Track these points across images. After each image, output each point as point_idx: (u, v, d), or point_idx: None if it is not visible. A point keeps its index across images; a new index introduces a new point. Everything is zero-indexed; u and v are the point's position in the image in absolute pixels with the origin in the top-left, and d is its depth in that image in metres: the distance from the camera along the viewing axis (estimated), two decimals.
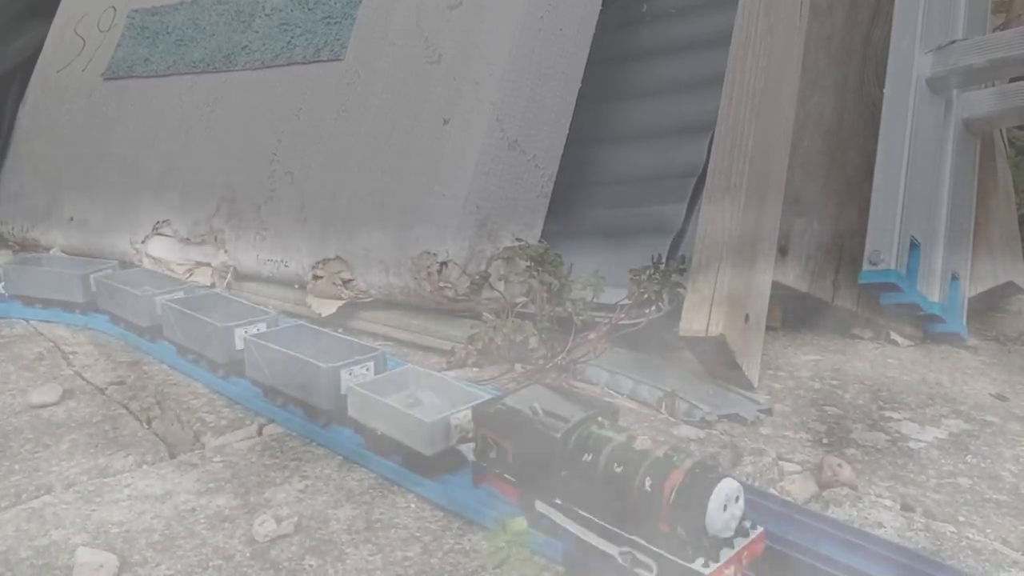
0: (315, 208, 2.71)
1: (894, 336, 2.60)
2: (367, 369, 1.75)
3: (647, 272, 2.10)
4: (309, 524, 1.40)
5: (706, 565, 1.05)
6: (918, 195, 2.39)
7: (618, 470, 1.15)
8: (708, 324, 1.93)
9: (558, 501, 1.24)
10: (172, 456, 1.70)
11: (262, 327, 2.03)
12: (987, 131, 2.80)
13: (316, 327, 2.04)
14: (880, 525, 1.43)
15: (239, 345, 1.99)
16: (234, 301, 2.29)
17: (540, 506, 1.27)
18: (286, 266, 2.75)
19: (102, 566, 1.24)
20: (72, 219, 3.59)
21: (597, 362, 2.12)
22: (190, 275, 2.99)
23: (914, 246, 2.37)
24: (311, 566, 1.27)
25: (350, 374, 1.71)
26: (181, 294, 2.34)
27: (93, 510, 1.45)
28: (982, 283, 2.81)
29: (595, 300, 2.17)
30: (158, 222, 3.20)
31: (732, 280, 1.97)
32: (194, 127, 3.27)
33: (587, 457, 1.21)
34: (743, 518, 1.12)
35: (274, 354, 1.82)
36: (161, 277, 2.64)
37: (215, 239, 2.98)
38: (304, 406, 1.79)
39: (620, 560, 1.14)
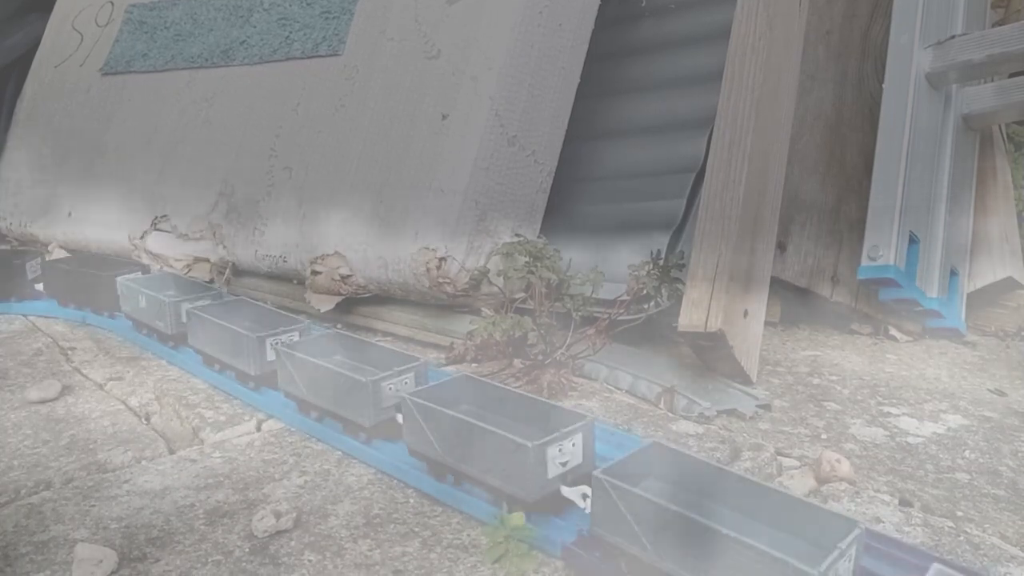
0: (314, 203, 2.70)
1: (893, 332, 2.60)
2: None
3: (646, 268, 2.10)
4: (308, 519, 1.40)
5: None
6: (917, 191, 2.39)
7: None
8: (707, 319, 1.93)
9: None
10: (171, 452, 1.70)
11: (578, 440, 1.35)
12: (986, 126, 2.80)
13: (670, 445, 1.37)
14: (878, 520, 1.43)
15: (550, 471, 1.31)
16: (539, 402, 1.52)
17: None
18: (285, 261, 2.74)
19: (101, 561, 1.24)
20: (71, 214, 3.59)
21: (596, 357, 2.12)
22: (188, 270, 2.98)
23: (913, 242, 2.37)
24: (310, 561, 1.27)
25: None
26: (412, 375, 1.69)
27: (92, 506, 1.45)
28: (981, 279, 2.81)
29: (594, 295, 2.17)
30: (156, 217, 3.19)
31: (731, 276, 1.97)
32: (192, 122, 3.26)
33: None
34: None
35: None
36: (387, 351, 1.86)
37: (213, 234, 2.98)
38: None
39: None
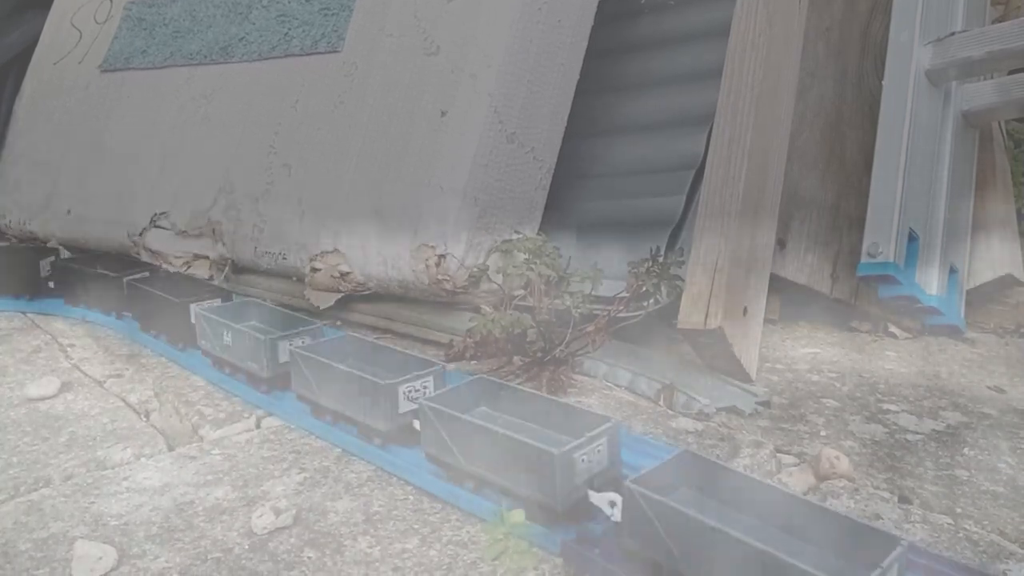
0: (313, 200, 2.70)
1: (892, 328, 2.60)
2: None
3: (645, 265, 2.09)
4: (307, 516, 1.40)
5: None
6: (917, 187, 2.39)
7: None
8: (706, 317, 1.93)
9: None
10: (170, 449, 1.70)
11: (894, 572, 1.04)
12: (986, 123, 2.79)
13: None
14: (878, 517, 1.43)
15: None
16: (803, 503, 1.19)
17: None
18: (284, 258, 2.74)
19: (101, 558, 1.24)
20: (70, 212, 3.58)
21: (595, 354, 2.12)
22: (187, 267, 2.98)
23: (912, 238, 2.37)
24: (310, 558, 1.27)
25: None
26: (605, 441, 1.34)
27: (92, 503, 1.45)
28: (980, 276, 2.81)
29: (593, 293, 2.17)
30: (156, 214, 3.19)
31: (730, 273, 1.97)
32: (191, 119, 3.26)
33: None
34: None
35: None
36: (549, 403, 1.53)
37: (213, 231, 2.97)
38: None
39: None
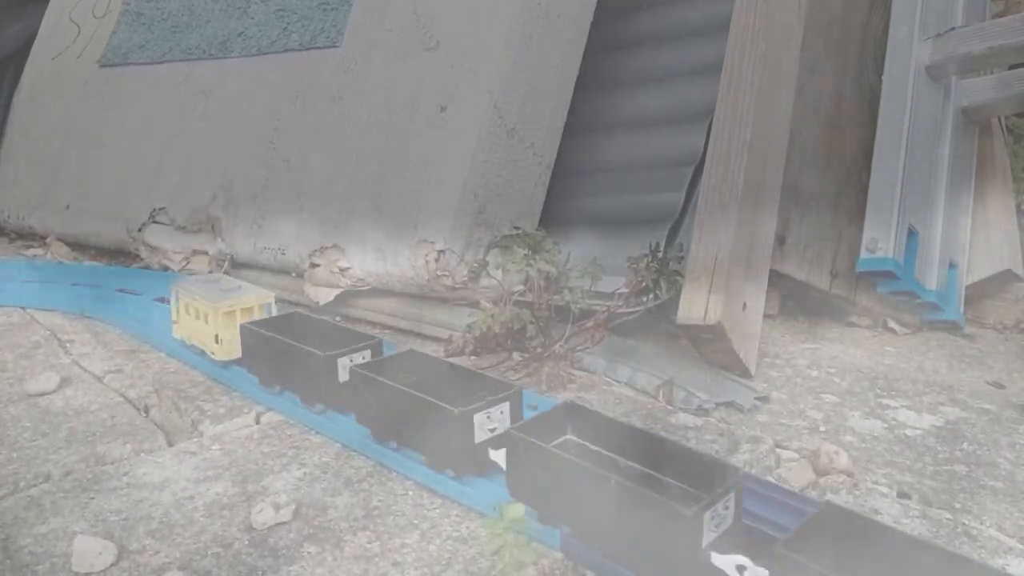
0: (312, 196, 2.70)
1: (891, 324, 2.60)
2: None
3: (645, 260, 2.09)
4: (307, 511, 1.40)
5: None
6: (916, 183, 2.39)
7: None
8: (706, 312, 1.93)
9: None
10: (170, 444, 1.70)
11: None
12: (986, 119, 2.79)
13: None
14: (877, 512, 1.44)
15: None
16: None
17: None
18: (283, 254, 2.74)
19: (100, 553, 1.24)
20: (68, 207, 3.58)
21: (595, 350, 2.12)
22: (187, 263, 2.98)
23: (912, 234, 2.37)
24: (310, 553, 1.27)
25: None
26: None
27: (91, 498, 1.45)
28: (980, 271, 2.80)
29: (593, 288, 2.17)
30: (155, 210, 3.19)
31: (730, 268, 1.96)
32: (190, 114, 3.25)
33: None
34: None
35: None
36: None
37: (212, 227, 2.97)
38: None
39: None
